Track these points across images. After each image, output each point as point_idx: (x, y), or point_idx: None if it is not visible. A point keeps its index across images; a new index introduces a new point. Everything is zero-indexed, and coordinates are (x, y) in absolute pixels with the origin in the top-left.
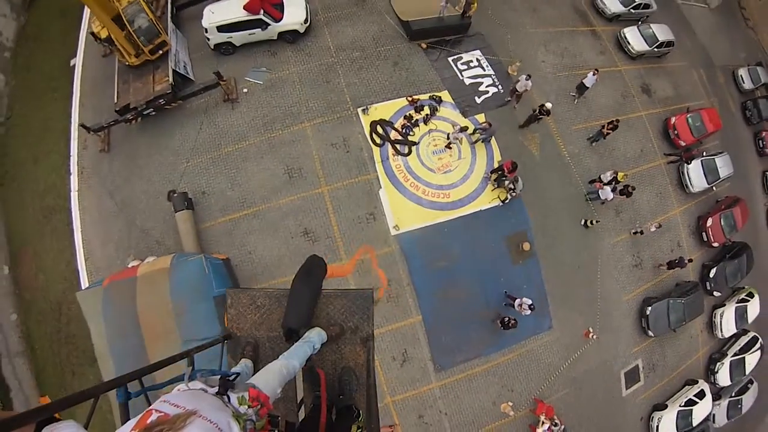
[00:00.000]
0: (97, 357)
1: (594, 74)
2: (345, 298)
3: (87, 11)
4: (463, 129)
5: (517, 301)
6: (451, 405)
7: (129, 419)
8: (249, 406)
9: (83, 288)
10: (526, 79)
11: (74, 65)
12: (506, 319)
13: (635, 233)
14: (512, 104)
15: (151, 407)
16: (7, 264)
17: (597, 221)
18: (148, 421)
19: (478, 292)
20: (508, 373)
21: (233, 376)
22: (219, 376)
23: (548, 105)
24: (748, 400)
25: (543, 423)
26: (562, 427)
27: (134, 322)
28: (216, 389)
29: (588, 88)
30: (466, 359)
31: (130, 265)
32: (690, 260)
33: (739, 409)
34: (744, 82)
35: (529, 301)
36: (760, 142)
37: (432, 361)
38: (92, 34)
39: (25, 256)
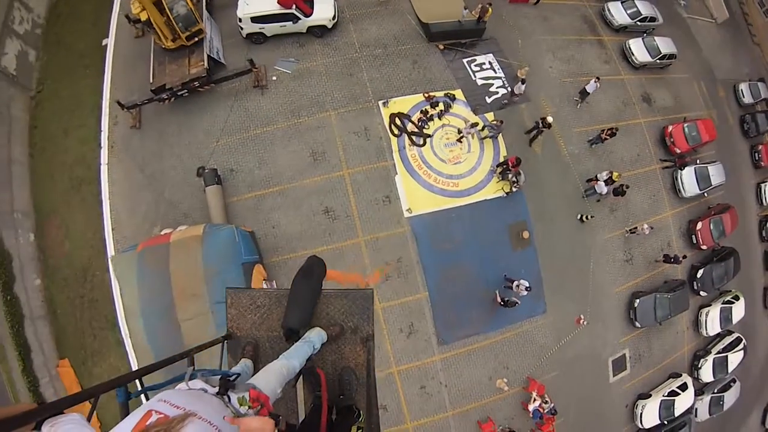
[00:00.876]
0: (125, 316)
1: (596, 81)
2: (345, 298)
3: None
4: (474, 125)
5: (515, 283)
6: (451, 378)
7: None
8: (249, 407)
9: (110, 255)
10: (521, 84)
11: (106, 45)
12: (507, 298)
13: (630, 231)
14: (510, 104)
15: (150, 408)
16: (33, 231)
17: (592, 216)
18: (147, 423)
19: (479, 273)
20: (504, 351)
21: (234, 377)
22: (219, 376)
23: (549, 119)
24: (730, 397)
25: (534, 400)
26: (552, 405)
27: (166, 284)
28: (216, 389)
29: (589, 93)
30: (467, 335)
31: (162, 233)
32: (684, 257)
33: (721, 405)
34: (744, 97)
35: (526, 283)
36: (756, 154)
37: (436, 335)
38: (127, 16)
39: (51, 225)
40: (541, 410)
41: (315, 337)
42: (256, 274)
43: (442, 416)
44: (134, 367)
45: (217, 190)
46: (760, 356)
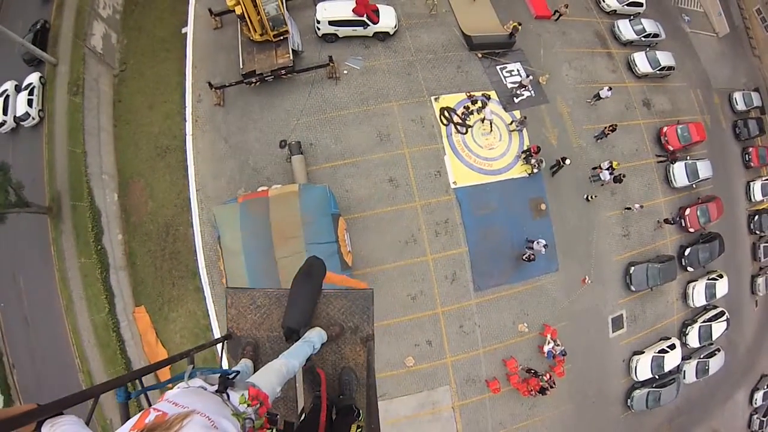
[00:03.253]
0: (226, 256)
1: (609, 89)
2: (345, 298)
3: None
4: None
5: (535, 243)
6: (483, 319)
7: (129, 418)
8: (248, 405)
9: (195, 213)
10: (526, 89)
11: (185, 33)
12: (527, 255)
13: (626, 209)
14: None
15: (149, 407)
16: (116, 192)
17: (595, 197)
18: (146, 421)
19: (507, 235)
20: (525, 300)
21: (233, 375)
22: (218, 375)
23: (567, 161)
24: (714, 364)
25: (549, 342)
26: (562, 347)
27: (266, 228)
28: (216, 387)
29: (602, 98)
30: (497, 284)
31: (259, 189)
32: (681, 216)
33: (707, 371)
34: (737, 104)
35: (543, 242)
36: (747, 156)
37: (473, 282)
38: (210, 10)
39: (135, 187)
40: (554, 351)
41: (315, 337)
42: (340, 223)
43: (475, 353)
44: (212, 310)
45: (301, 158)
46: (747, 337)
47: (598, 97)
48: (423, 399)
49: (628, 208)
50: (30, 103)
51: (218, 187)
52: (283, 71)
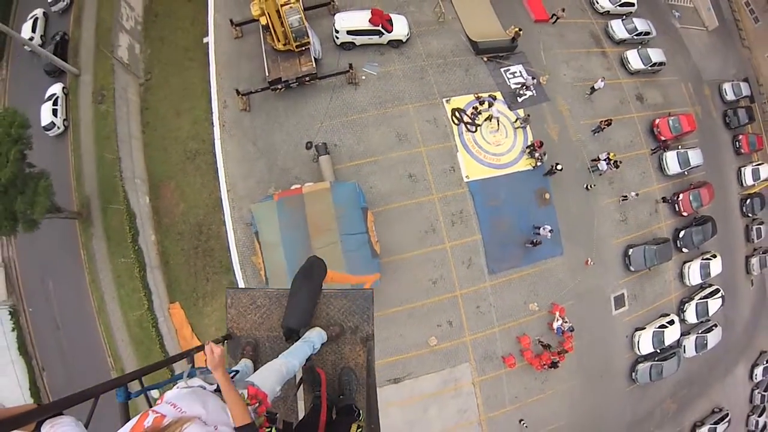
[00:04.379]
0: (265, 249)
1: (602, 80)
2: (345, 298)
3: (213, 1)
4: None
5: (541, 229)
6: (497, 300)
7: (129, 419)
8: (248, 404)
9: (227, 212)
10: (529, 89)
11: (207, 42)
12: (534, 241)
13: (623, 198)
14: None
15: (149, 408)
16: (148, 195)
17: (594, 185)
18: (145, 424)
19: (516, 223)
20: (534, 281)
21: (232, 374)
22: None
23: (560, 166)
24: (712, 339)
25: (557, 319)
26: (570, 324)
27: (303, 222)
28: (215, 386)
29: (596, 90)
30: (508, 267)
31: (293, 188)
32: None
33: (705, 345)
34: (727, 94)
35: (549, 227)
36: (737, 143)
37: (487, 267)
38: (231, 20)
39: (166, 189)
40: (562, 328)
41: (315, 337)
42: (369, 216)
43: (491, 331)
44: None
45: (328, 158)
46: (744, 315)
47: (593, 89)
48: (446, 376)
49: (625, 198)
50: (54, 113)
51: (248, 186)
52: (307, 78)
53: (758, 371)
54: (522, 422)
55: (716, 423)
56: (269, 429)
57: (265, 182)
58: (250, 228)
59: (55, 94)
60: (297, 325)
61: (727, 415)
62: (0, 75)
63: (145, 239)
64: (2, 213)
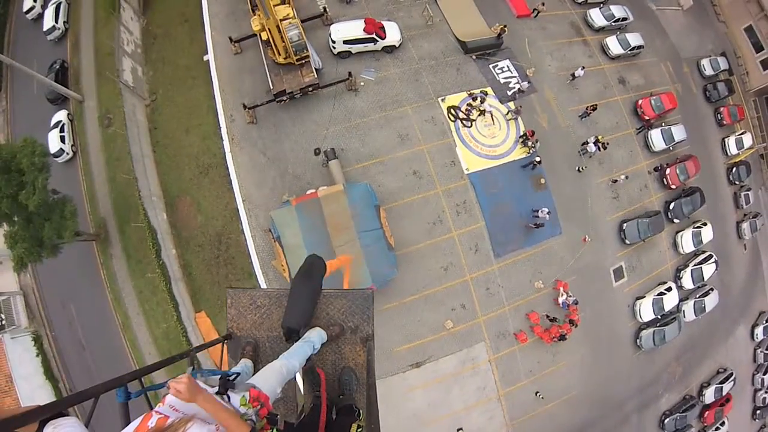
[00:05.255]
0: (288, 252)
1: (582, 69)
2: (345, 298)
3: (209, 21)
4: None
5: (539, 212)
6: (505, 281)
7: (129, 420)
8: (249, 407)
9: (245, 221)
10: (518, 82)
11: (208, 60)
12: (536, 223)
13: (613, 181)
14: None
15: (151, 410)
16: (164, 211)
17: (585, 167)
18: (149, 424)
19: (516, 208)
20: (537, 261)
21: (233, 376)
22: (219, 376)
23: (537, 159)
24: (710, 302)
25: (562, 294)
26: (574, 297)
27: (322, 223)
28: (216, 389)
29: (577, 77)
30: (513, 250)
31: (308, 192)
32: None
33: (703, 309)
34: (706, 70)
35: (546, 209)
36: (719, 115)
37: (492, 251)
38: (230, 38)
39: (182, 204)
40: (567, 302)
41: (315, 337)
42: (381, 213)
43: (501, 310)
44: None
45: (337, 162)
46: (738, 278)
47: (574, 76)
48: (463, 356)
49: (615, 181)
50: (62, 139)
51: (263, 195)
52: (309, 88)
53: (758, 331)
54: (538, 394)
55: (722, 382)
56: (270, 431)
57: (278, 190)
58: (268, 234)
59: (61, 121)
60: (297, 325)
61: (731, 374)
62: (0, 106)
63: (167, 253)
64: (30, 240)
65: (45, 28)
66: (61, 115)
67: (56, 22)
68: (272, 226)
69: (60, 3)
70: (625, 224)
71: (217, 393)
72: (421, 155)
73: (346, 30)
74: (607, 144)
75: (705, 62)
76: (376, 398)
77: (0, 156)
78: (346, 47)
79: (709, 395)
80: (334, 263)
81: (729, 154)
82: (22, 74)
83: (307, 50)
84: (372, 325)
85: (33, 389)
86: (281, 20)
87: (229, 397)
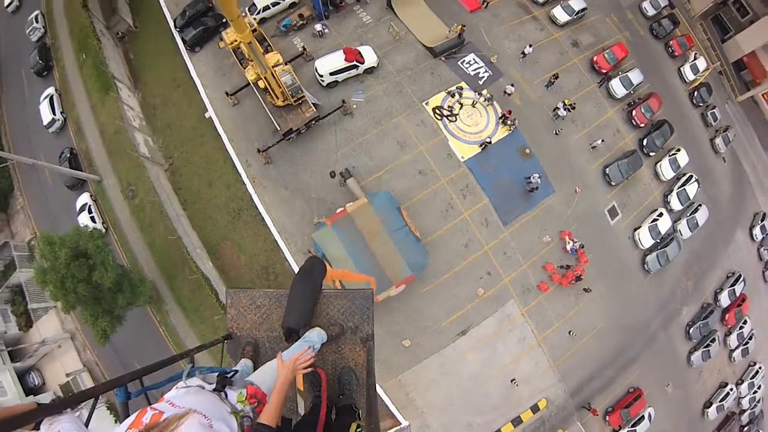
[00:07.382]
0: (335, 263)
1: (530, 46)
2: (345, 298)
3: (199, 81)
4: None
5: (531, 178)
6: (518, 243)
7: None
8: (247, 404)
9: (285, 249)
10: (488, 70)
11: (209, 116)
12: (531, 188)
13: (593, 147)
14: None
15: (147, 406)
16: (210, 260)
17: (561, 129)
18: (143, 420)
19: (511, 179)
20: (541, 219)
21: (231, 374)
22: (217, 374)
23: (488, 139)
24: (701, 217)
25: (568, 242)
26: (580, 242)
27: (359, 234)
28: (213, 386)
29: (527, 54)
30: (517, 215)
31: (338, 210)
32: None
33: (697, 224)
34: (648, 11)
35: (537, 174)
36: (669, 49)
37: (500, 220)
38: (226, 92)
39: (224, 249)
40: (575, 247)
41: (315, 337)
42: (404, 212)
43: (521, 269)
44: None
45: (354, 180)
46: (725, 189)
47: (524, 54)
48: (499, 316)
49: (594, 147)
50: (93, 219)
51: (294, 222)
52: (312, 121)
53: (756, 231)
54: (571, 333)
55: (732, 285)
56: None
57: (308, 215)
58: (317, 252)
59: (86, 203)
60: (297, 325)
61: (740, 276)
62: (19, 204)
63: (223, 296)
64: (101, 314)
65: (44, 123)
66: (84, 198)
67: (54, 114)
68: (314, 246)
69: (52, 96)
70: (607, 168)
71: (214, 390)
72: (421, 155)
73: (329, 62)
74: (575, 104)
75: (645, 4)
76: (377, 398)
77: (66, 245)
78: (333, 78)
79: (724, 299)
80: (334, 273)
81: (687, 81)
82: (31, 171)
83: (302, 91)
84: (372, 325)
85: None
86: (273, 67)
87: (226, 394)
